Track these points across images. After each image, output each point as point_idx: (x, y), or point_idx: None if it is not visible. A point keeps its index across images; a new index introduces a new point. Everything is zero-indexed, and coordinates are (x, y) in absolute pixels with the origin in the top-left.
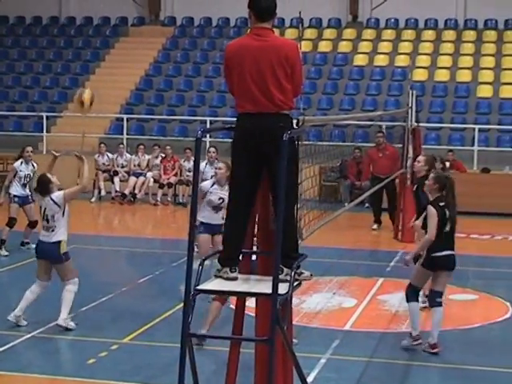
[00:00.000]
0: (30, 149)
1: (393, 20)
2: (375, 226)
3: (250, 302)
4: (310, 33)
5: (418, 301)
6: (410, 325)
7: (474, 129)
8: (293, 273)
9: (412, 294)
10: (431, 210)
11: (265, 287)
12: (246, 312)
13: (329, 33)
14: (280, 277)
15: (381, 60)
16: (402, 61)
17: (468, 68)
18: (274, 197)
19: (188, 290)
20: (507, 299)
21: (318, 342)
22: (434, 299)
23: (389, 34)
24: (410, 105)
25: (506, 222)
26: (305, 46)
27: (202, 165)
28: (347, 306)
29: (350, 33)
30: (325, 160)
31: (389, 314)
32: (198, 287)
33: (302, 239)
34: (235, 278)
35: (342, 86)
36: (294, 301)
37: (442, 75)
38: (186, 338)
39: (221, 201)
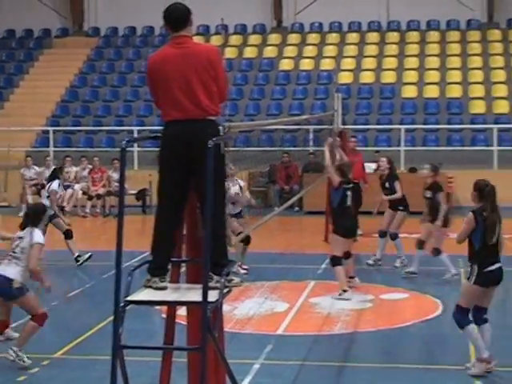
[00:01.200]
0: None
1: (317, 24)
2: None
3: (183, 311)
4: (235, 39)
5: (471, 322)
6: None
7: (399, 129)
8: (222, 280)
9: (463, 317)
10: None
11: (195, 295)
12: (179, 321)
13: (254, 38)
14: (210, 284)
15: (306, 64)
16: (327, 64)
17: (392, 69)
18: (201, 204)
19: (117, 301)
20: (437, 296)
21: (251, 348)
22: (481, 317)
23: (313, 37)
24: (336, 108)
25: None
26: (230, 53)
27: None
28: (279, 311)
29: (274, 38)
30: (253, 165)
31: (321, 317)
32: (128, 298)
33: (230, 246)
34: (165, 288)
35: (269, 91)
36: (226, 307)
37: (367, 77)
38: (117, 350)
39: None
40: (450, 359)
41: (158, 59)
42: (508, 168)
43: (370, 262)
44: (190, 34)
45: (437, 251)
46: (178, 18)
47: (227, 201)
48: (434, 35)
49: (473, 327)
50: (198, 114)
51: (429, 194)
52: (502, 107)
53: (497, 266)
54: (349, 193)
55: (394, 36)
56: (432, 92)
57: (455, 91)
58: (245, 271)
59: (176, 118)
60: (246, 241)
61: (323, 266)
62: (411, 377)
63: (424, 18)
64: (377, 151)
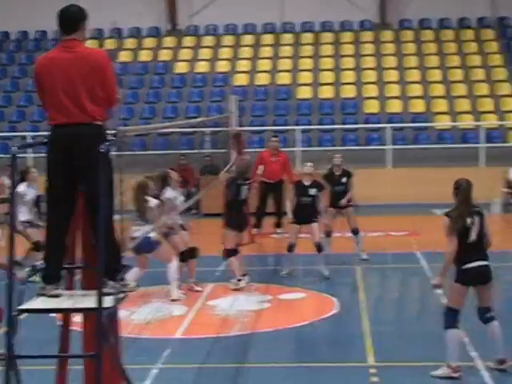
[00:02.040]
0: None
1: (212, 27)
2: (255, 231)
3: (80, 318)
4: (129, 43)
5: (457, 327)
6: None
7: (295, 130)
8: (117, 285)
9: (448, 319)
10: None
11: (89, 302)
12: (76, 328)
13: (148, 42)
14: (104, 290)
15: (202, 67)
16: (222, 66)
17: (287, 71)
18: (89, 210)
19: (10, 310)
20: (334, 295)
21: (149, 353)
22: (484, 315)
23: (208, 40)
24: (231, 110)
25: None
26: (125, 56)
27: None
28: (178, 314)
29: (169, 41)
30: (149, 169)
31: (220, 319)
32: (21, 307)
33: (124, 251)
34: (59, 295)
35: (164, 95)
36: (124, 313)
37: (263, 79)
38: (10, 360)
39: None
40: (347, 356)
41: (45, 62)
42: (402, 166)
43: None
44: (82, 37)
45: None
46: (68, 21)
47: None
48: (327, 36)
49: (453, 332)
50: (83, 118)
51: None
52: (395, 107)
53: (477, 263)
54: (243, 188)
55: (288, 38)
56: (327, 93)
57: (349, 91)
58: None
59: (61, 122)
60: (192, 254)
61: (221, 268)
62: (310, 375)
63: (318, 19)
64: None
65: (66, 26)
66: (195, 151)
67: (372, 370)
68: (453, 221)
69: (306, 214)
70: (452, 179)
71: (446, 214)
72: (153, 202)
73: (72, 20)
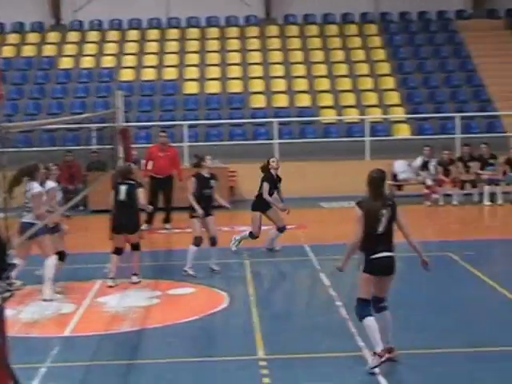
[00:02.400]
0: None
1: (96, 22)
2: (145, 227)
3: None
4: (12, 38)
5: (371, 314)
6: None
7: (183, 125)
8: (3, 284)
9: (362, 309)
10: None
11: None
12: None
13: (32, 37)
14: None
15: (87, 62)
16: (108, 62)
17: (174, 66)
18: None
19: None
20: (224, 290)
21: (38, 351)
22: (378, 305)
23: (93, 35)
24: (117, 105)
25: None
26: (8, 52)
27: None
28: (66, 312)
29: (53, 36)
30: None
31: (109, 316)
32: None
33: (12, 248)
34: None
35: (49, 90)
36: (11, 312)
37: (149, 74)
38: None
39: None
40: (237, 350)
41: None
42: (289, 160)
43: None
44: None
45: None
46: None
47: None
48: (213, 31)
49: (370, 320)
50: None
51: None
52: (281, 101)
53: (384, 254)
54: (122, 188)
55: (174, 33)
56: (213, 88)
57: (236, 86)
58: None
59: None
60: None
61: (109, 264)
62: (200, 370)
63: (203, 14)
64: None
65: None
66: (81, 147)
67: (262, 363)
68: (365, 212)
69: (206, 207)
70: (338, 173)
71: (358, 204)
72: (36, 188)
73: None
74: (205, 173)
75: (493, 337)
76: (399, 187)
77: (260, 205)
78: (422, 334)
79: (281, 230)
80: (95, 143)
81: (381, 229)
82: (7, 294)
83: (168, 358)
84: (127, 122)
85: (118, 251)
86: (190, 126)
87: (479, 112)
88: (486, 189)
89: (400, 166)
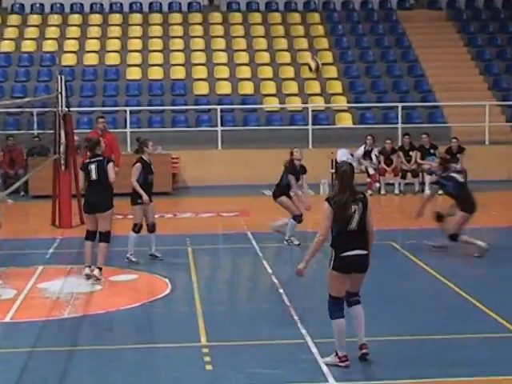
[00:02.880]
0: None
1: (38, 5)
2: None
3: None
4: None
5: (343, 316)
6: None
7: (125, 111)
8: None
9: (333, 308)
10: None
11: None
12: None
13: None
14: None
15: (28, 46)
16: (49, 46)
17: (116, 51)
18: None
19: None
20: (165, 276)
21: None
22: (351, 299)
23: (34, 19)
24: (59, 90)
25: (162, 201)
26: None
27: None
28: (6, 298)
29: None
30: None
31: (50, 302)
32: None
33: None
34: None
35: None
36: None
37: (91, 59)
38: None
39: None
40: (180, 337)
41: None
42: (232, 148)
43: None
44: None
45: None
46: None
47: None
48: (156, 17)
49: (340, 322)
50: None
51: None
52: (224, 88)
53: (356, 252)
54: (92, 167)
55: (116, 18)
56: (156, 74)
57: (179, 73)
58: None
59: None
60: None
61: (51, 250)
62: (142, 356)
63: (146, 0)
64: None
65: None
66: (23, 132)
67: (204, 350)
68: (336, 208)
69: (150, 193)
70: (281, 160)
71: (327, 199)
72: None
73: None
74: (147, 159)
75: (437, 324)
76: None
77: (281, 191)
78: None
79: (296, 218)
80: (37, 128)
81: (353, 225)
82: None
83: (110, 345)
84: (68, 107)
85: (91, 235)
86: (133, 112)
87: (420, 102)
88: (427, 178)
89: (342, 155)
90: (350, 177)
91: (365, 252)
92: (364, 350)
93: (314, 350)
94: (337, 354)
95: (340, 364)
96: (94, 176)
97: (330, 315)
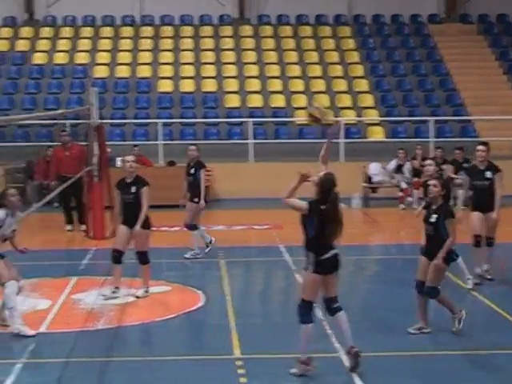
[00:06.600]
0: None
1: (70, 17)
2: (69, 227)
3: None
4: None
5: (312, 321)
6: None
7: (157, 123)
8: None
9: (305, 313)
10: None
11: None
12: None
13: (5, 32)
14: None
15: (60, 58)
16: (81, 58)
17: (147, 64)
18: None
19: None
20: (199, 288)
21: (14, 347)
22: (332, 306)
23: (67, 31)
24: (92, 102)
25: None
26: None
27: None
28: (42, 308)
29: (27, 31)
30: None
31: (84, 313)
32: None
33: None
34: None
35: (22, 85)
36: None
37: (123, 71)
38: None
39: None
40: (213, 349)
41: None
42: (263, 160)
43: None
44: None
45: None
46: None
47: None
48: (187, 30)
49: (310, 327)
50: None
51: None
52: (255, 101)
53: (332, 252)
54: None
55: (148, 30)
56: (187, 86)
57: (210, 85)
58: None
59: None
60: None
61: (85, 261)
62: (176, 368)
63: (177, 12)
64: (135, 145)
65: None
66: (55, 144)
67: (238, 363)
68: (319, 213)
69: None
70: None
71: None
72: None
73: None
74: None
75: None
76: (373, 190)
77: None
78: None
79: None
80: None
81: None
82: None
83: (144, 357)
84: (101, 119)
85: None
86: (165, 125)
87: (452, 116)
88: (460, 193)
89: (374, 169)
90: (331, 187)
91: (337, 251)
92: (356, 349)
93: (347, 364)
94: (299, 360)
95: (308, 368)
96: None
97: (302, 319)
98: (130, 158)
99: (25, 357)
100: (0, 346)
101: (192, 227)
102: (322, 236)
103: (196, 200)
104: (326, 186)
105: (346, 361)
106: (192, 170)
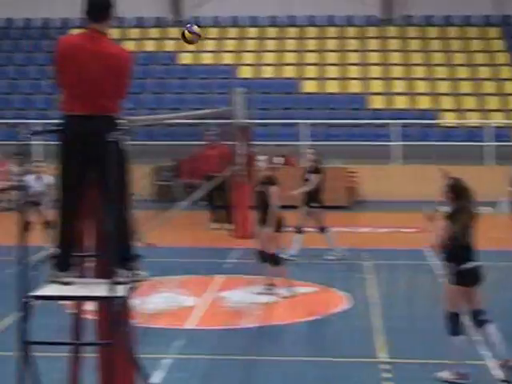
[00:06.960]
0: None
1: (216, 18)
2: (214, 225)
3: (89, 306)
4: (133, 32)
5: (461, 332)
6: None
7: (302, 124)
8: (130, 274)
9: (452, 325)
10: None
11: (102, 290)
12: (87, 316)
13: (153, 32)
14: (117, 279)
15: (206, 58)
16: (227, 58)
17: (292, 64)
18: (103, 198)
19: (23, 296)
20: (345, 290)
21: (163, 342)
22: (478, 318)
23: (213, 32)
24: (237, 102)
25: (339, 215)
26: (129, 46)
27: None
28: (189, 305)
29: (174, 32)
30: (157, 159)
31: (230, 311)
32: (35, 293)
33: (140, 241)
34: (71, 283)
35: (169, 85)
36: (136, 302)
37: (268, 72)
38: (25, 346)
39: None
40: (357, 352)
41: (69, 46)
42: (409, 162)
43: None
44: (106, 28)
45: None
46: (90, 10)
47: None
48: (332, 31)
49: (460, 339)
50: (96, 110)
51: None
52: (400, 103)
53: (474, 264)
54: None
55: (293, 31)
56: (332, 87)
57: (355, 87)
58: None
59: (75, 112)
60: None
61: (230, 260)
62: (320, 369)
63: (323, 13)
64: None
65: (93, 12)
66: (202, 143)
67: (383, 366)
68: (462, 223)
69: None
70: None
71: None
72: None
73: (94, 9)
74: None
75: None
76: None
77: None
78: None
79: None
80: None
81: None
82: (133, 285)
83: (288, 357)
84: (246, 119)
85: None
86: (310, 125)
87: None
88: None
89: None
90: (471, 194)
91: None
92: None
93: (494, 372)
94: (456, 372)
95: (458, 381)
96: None
97: (450, 332)
98: (263, 158)
99: (174, 352)
100: (150, 341)
101: (321, 230)
102: (462, 246)
103: (312, 204)
104: (459, 186)
105: (493, 369)
106: (307, 176)
